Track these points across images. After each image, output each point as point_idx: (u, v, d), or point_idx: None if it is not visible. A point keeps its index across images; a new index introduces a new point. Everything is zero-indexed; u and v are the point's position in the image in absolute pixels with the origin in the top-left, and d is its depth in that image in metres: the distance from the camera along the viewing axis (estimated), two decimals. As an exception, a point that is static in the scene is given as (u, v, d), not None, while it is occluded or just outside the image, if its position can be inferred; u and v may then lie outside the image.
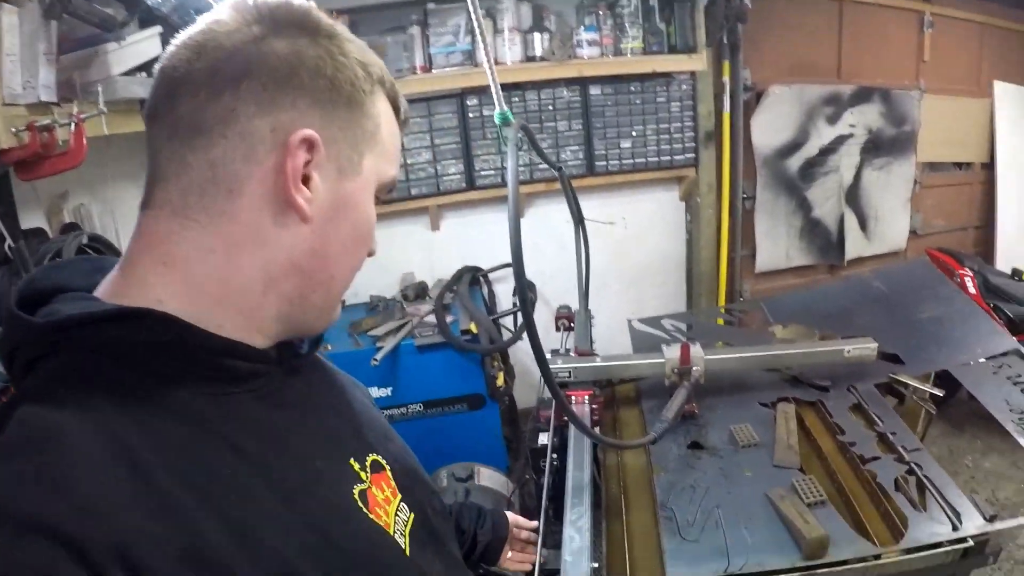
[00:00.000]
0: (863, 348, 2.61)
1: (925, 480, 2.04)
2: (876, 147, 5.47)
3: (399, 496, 1.01)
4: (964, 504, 1.93)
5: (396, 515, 0.97)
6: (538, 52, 4.38)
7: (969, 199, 6.23)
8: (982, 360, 2.68)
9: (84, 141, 2.19)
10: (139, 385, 0.75)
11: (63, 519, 0.61)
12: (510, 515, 1.72)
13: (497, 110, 1.74)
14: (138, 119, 2.61)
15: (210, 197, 0.79)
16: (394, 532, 0.94)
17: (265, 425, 0.84)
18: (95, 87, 2.36)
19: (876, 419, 2.38)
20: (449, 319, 3.75)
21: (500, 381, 3.81)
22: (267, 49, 0.79)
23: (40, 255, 2.23)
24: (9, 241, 2.21)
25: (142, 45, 2.55)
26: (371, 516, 0.91)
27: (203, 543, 0.68)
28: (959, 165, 6.12)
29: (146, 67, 2.56)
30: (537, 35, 4.38)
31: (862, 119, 5.35)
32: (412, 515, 1.02)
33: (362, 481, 0.93)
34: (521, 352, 4.69)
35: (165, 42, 2.51)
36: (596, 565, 1.67)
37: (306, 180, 0.82)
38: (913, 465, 2.11)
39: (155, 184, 0.81)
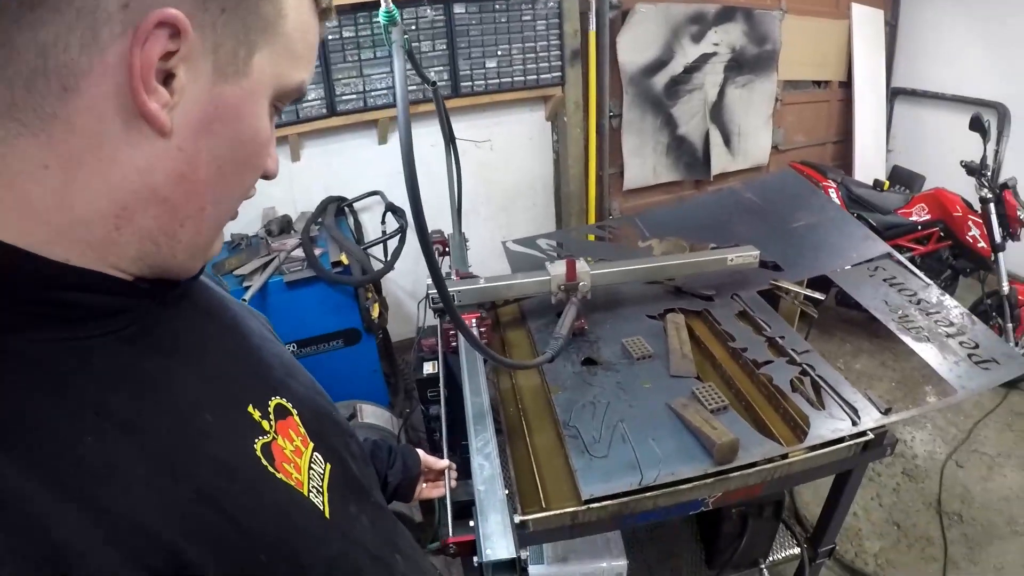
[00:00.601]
0: (745, 256, 2.62)
1: (819, 380, 2.07)
2: (739, 65, 5.56)
3: (311, 445, 0.85)
4: (859, 400, 1.97)
5: (310, 468, 0.81)
6: (396, -32, 4.13)
7: (828, 115, 6.52)
8: (852, 266, 2.74)
9: None
10: None
11: None
12: (421, 454, 1.61)
13: (383, 8, 1.57)
14: None
15: (40, 95, 0.58)
16: (309, 491, 0.78)
17: (135, 375, 0.66)
18: None
19: (763, 324, 2.40)
20: (317, 252, 3.56)
21: (375, 313, 3.67)
22: None
23: None
24: None
25: None
26: (279, 475, 0.74)
27: (56, 542, 0.51)
28: (818, 83, 6.36)
29: None
30: (393, -50, 4.13)
31: (726, 38, 5.41)
32: (328, 466, 0.86)
33: (265, 432, 0.76)
34: (393, 284, 4.57)
35: None
36: (508, 491, 1.60)
37: (168, 79, 0.62)
38: (806, 366, 2.15)
39: None
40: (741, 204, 3.39)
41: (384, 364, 3.98)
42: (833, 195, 4.82)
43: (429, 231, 3.13)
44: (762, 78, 5.72)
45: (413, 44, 4.26)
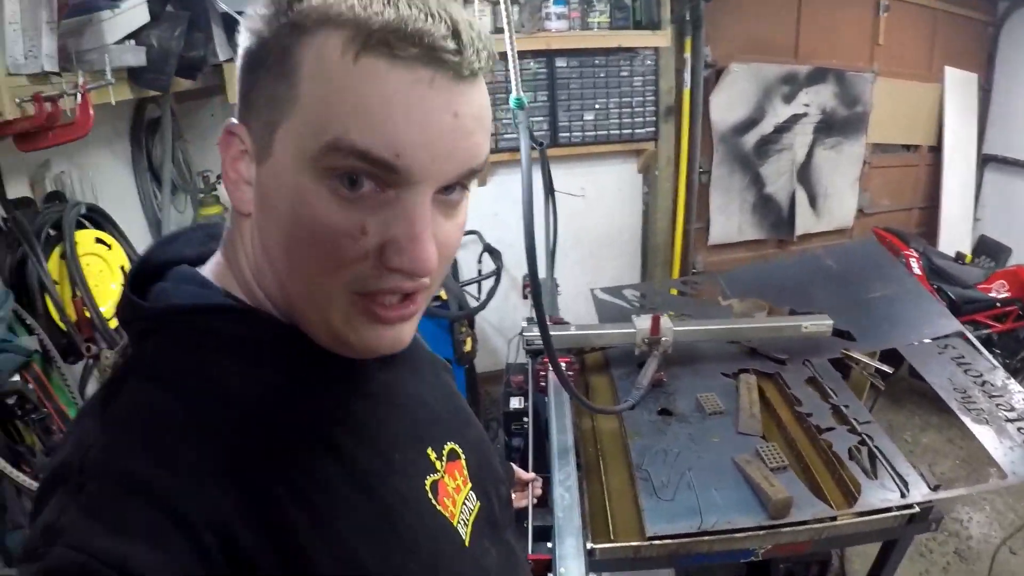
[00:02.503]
0: (819, 324, 2.79)
1: (876, 451, 2.23)
2: (828, 127, 5.61)
3: (469, 485, 0.99)
4: (911, 474, 2.12)
5: (463, 504, 0.96)
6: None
7: (915, 180, 6.43)
8: (928, 340, 2.85)
9: (91, 112, 2.16)
10: (236, 369, 0.77)
11: (166, 490, 0.65)
12: (512, 466, 1.80)
13: (514, 95, 1.84)
14: (127, 87, 2.61)
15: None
16: (457, 522, 0.93)
17: (350, 415, 0.84)
18: (90, 55, 2.31)
19: (831, 392, 2.56)
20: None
21: (468, 347, 3.92)
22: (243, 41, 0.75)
23: (37, 226, 2.24)
24: (1, 212, 2.23)
25: (133, 13, 2.49)
26: (438, 507, 0.90)
27: (283, 520, 0.70)
28: (907, 147, 6.29)
29: (135, 35, 2.53)
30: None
31: (816, 99, 5.49)
32: (479, 504, 1.00)
33: (436, 471, 0.93)
34: (482, 318, 4.79)
35: (152, 12, 2.51)
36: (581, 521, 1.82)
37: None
38: (865, 436, 2.30)
39: None
40: (821, 270, 3.54)
41: (467, 394, 4.22)
42: (914, 264, 4.86)
43: (523, 275, 3.39)
44: (851, 140, 5.75)
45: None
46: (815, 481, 2.12)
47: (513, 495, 1.79)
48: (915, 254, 5.01)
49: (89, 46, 2.33)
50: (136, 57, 2.52)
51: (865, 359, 2.80)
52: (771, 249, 5.79)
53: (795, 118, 5.47)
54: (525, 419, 2.66)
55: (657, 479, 2.07)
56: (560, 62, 4.66)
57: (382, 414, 0.89)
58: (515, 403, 2.81)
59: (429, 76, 0.68)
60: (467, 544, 0.93)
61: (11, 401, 1.85)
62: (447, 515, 0.91)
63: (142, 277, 0.84)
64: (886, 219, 6.18)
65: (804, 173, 5.65)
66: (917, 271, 4.81)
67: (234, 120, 0.76)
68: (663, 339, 2.65)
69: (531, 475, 1.85)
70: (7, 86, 1.90)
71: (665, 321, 2.67)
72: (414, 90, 0.68)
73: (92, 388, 2.50)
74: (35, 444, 1.93)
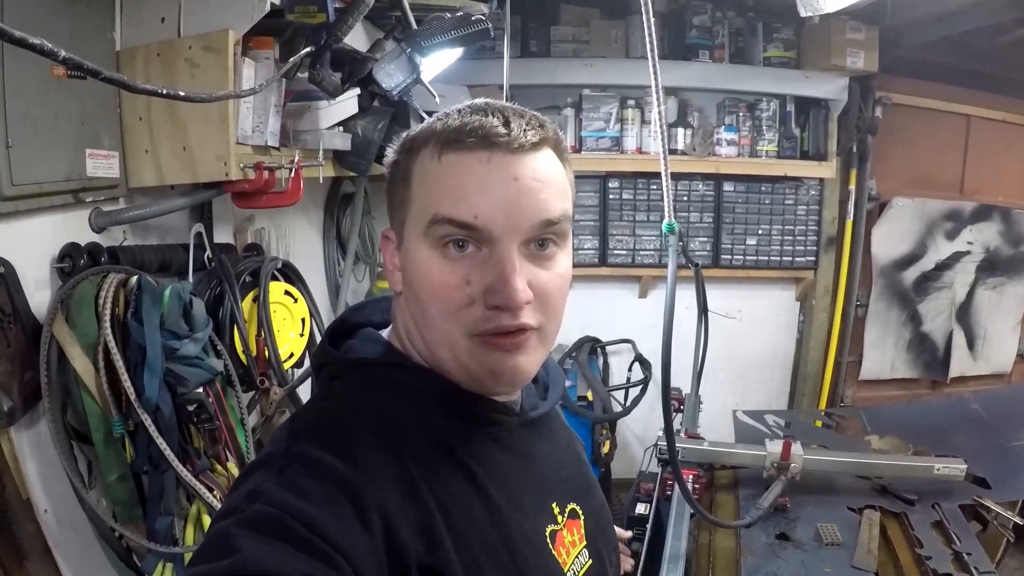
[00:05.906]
0: (952, 468, 2.80)
1: (990, 603, 2.22)
2: (992, 266, 5.43)
3: (584, 543, 1.12)
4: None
5: (576, 558, 1.09)
6: (680, 146, 4.69)
7: None
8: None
9: (301, 185, 2.53)
10: (408, 410, 0.97)
11: (346, 476, 0.84)
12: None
13: (666, 220, 2.06)
14: (331, 167, 3.00)
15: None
16: (568, 570, 1.06)
17: (492, 461, 1.01)
18: (305, 136, 2.73)
19: (955, 538, 2.55)
20: (567, 383, 4.04)
21: (605, 449, 4.08)
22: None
23: (238, 271, 2.58)
24: (209, 253, 2.55)
25: (345, 104, 2.87)
26: (553, 553, 1.04)
27: (432, 528, 0.87)
28: None
29: (343, 123, 2.93)
30: (681, 130, 4.70)
31: (980, 237, 5.35)
32: (591, 561, 1.12)
33: (556, 523, 1.07)
34: (624, 425, 4.92)
35: (361, 105, 2.92)
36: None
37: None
38: (981, 585, 2.28)
39: None
40: (966, 414, 3.52)
41: (602, 495, 4.35)
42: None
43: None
44: (1014, 281, 5.50)
45: (683, 214, 4.76)
46: (920, 623, 2.14)
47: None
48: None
49: (305, 128, 2.76)
50: (343, 142, 2.92)
51: (999, 508, 2.77)
52: (923, 389, 5.55)
53: (957, 256, 5.35)
54: (647, 525, 2.77)
55: (762, 600, 2.17)
56: (727, 186, 4.87)
57: (517, 464, 1.07)
58: (640, 509, 2.93)
59: (487, 156, 0.91)
60: None
61: (191, 408, 2.13)
62: (560, 562, 1.07)
63: (338, 333, 1.10)
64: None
65: (963, 313, 5.46)
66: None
67: (384, 228, 1.05)
68: (792, 465, 2.73)
69: (628, 533, 1.92)
70: (235, 152, 2.24)
71: (796, 448, 2.76)
72: (478, 168, 0.91)
73: (254, 418, 2.81)
74: (201, 448, 2.20)
